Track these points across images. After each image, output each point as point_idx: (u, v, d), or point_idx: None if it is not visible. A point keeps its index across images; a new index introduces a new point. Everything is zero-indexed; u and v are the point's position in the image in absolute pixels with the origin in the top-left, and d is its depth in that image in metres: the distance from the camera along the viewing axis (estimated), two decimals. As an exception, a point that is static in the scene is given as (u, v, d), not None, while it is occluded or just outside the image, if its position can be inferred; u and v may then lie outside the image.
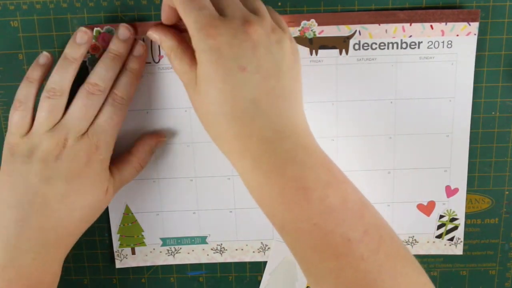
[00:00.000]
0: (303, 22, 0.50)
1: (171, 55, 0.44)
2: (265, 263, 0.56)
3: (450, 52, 0.50)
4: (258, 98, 0.41)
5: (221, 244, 0.55)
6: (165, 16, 0.46)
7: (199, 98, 0.43)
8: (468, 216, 0.55)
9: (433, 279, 0.56)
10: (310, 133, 0.44)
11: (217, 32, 0.40)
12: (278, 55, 0.42)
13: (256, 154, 0.41)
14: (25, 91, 0.46)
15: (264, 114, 0.41)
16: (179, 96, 0.51)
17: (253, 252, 0.56)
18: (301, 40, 0.50)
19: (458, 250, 0.55)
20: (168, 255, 0.56)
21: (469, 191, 0.54)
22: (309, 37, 0.50)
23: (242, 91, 0.41)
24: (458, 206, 0.54)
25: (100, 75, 0.46)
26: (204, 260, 0.56)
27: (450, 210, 0.54)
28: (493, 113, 0.52)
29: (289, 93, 0.43)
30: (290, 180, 0.41)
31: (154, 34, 0.46)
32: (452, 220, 0.54)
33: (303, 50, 0.50)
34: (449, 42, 0.50)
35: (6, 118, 0.52)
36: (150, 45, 0.50)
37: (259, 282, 0.57)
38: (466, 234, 0.55)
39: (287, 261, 0.56)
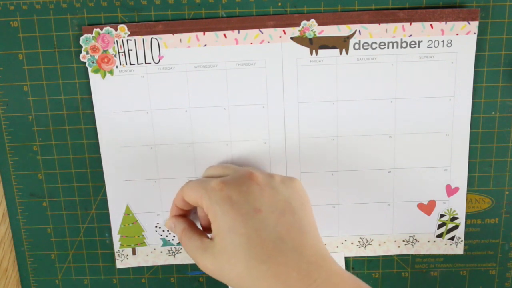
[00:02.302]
0: (303, 22, 0.50)
1: (182, 236, 0.47)
2: (265, 263, 0.56)
3: (450, 51, 0.50)
4: (282, 235, 0.42)
5: (222, 244, 0.55)
6: (174, 212, 0.50)
7: (219, 258, 0.43)
8: (468, 216, 0.55)
9: (433, 279, 0.56)
10: (334, 259, 0.44)
11: (224, 184, 0.44)
12: (286, 192, 0.44)
13: None
14: None
15: (293, 248, 0.41)
16: (179, 96, 0.51)
17: (254, 252, 0.55)
18: (301, 40, 0.50)
19: (459, 249, 0.55)
20: (169, 255, 0.56)
21: (469, 191, 0.54)
22: (309, 37, 0.50)
23: (266, 230, 0.42)
24: (458, 205, 0.54)
25: None
26: (204, 260, 0.56)
27: (451, 209, 0.54)
28: (493, 113, 0.52)
29: (308, 226, 0.44)
30: None
31: (169, 223, 0.49)
32: (453, 219, 0.54)
33: (303, 50, 0.50)
34: (449, 41, 0.50)
35: (6, 118, 0.52)
36: (150, 45, 0.50)
37: (260, 282, 0.57)
38: (467, 234, 0.55)
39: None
